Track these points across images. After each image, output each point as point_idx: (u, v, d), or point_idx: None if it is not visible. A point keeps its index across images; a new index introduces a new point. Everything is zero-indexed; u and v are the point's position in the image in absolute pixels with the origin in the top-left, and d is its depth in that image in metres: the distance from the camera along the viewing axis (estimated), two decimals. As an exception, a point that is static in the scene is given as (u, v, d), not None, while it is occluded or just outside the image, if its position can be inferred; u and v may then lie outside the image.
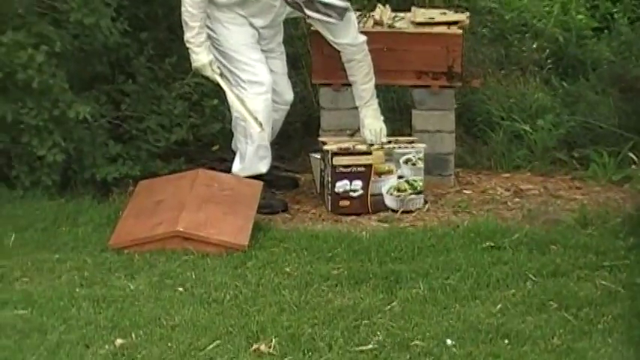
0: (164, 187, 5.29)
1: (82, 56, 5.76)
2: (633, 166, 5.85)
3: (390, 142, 5.46)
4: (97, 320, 3.92)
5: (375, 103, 5.54)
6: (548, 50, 7.11)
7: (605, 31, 7.40)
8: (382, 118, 5.54)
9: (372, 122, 5.49)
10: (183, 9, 5.32)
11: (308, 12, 5.25)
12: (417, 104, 5.87)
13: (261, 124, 5.33)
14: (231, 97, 5.41)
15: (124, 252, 4.72)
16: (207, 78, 5.55)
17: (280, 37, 5.70)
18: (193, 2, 5.27)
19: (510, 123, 6.19)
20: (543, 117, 6.19)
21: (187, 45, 5.38)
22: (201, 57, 5.35)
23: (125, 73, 6.01)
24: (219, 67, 5.41)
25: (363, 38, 5.46)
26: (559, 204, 5.47)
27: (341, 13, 5.23)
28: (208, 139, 6.23)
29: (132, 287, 4.29)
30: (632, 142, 5.95)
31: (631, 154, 5.89)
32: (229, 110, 5.67)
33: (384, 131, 5.47)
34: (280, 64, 5.69)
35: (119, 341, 3.73)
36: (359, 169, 5.36)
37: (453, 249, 4.71)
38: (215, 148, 6.25)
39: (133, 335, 3.78)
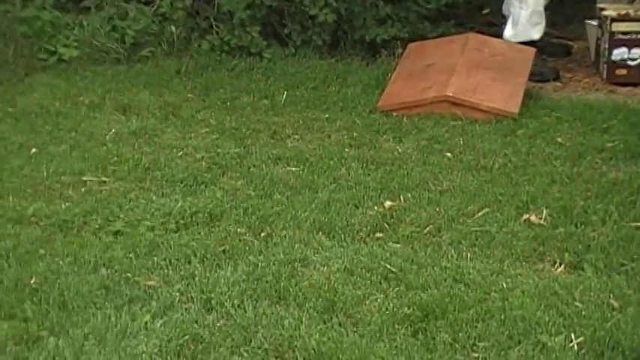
0: (434, 51, 5.22)
1: None
2: None
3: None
4: (365, 181, 3.95)
5: None
6: None
7: None
8: None
9: None
10: None
11: None
12: None
13: None
14: None
15: (392, 114, 4.72)
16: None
17: None
18: None
19: None
20: None
21: None
22: None
23: None
24: None
25: None
26: None
27: None
28: (478, 2, 6.10)
29: (400, 150, 4.29)
30: None
31: None
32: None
33: None
34: None
35: (388, 203, 3.74)
36: (639, 36, 5.09)
37: None
38: (485, 11, 6.10)
39: (402, 198, 3.78)
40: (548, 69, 5.38)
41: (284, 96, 5.01)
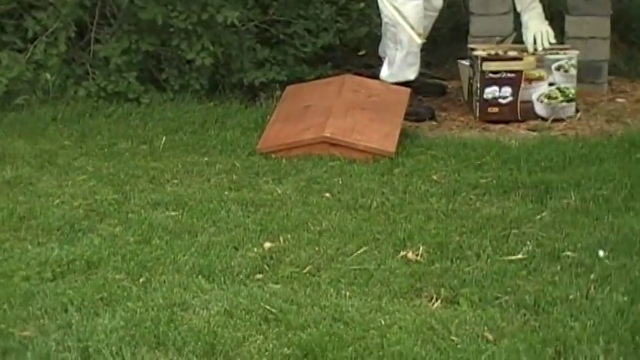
0: (311, 93, 5.28)
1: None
2: None
3: (543, 48, 5.29)
4: (245, 223, 3.95)
5: (539, 6, 5.34)
6: None
7: None
8: (547, 22, 5.34)
9: (538, 24, 5.29)
10: None
11: None
12: (571, 10, 5.69)
13: (420, 35, 5.25)
14: (389, 9, 5.31)
15: (271, 156, 4.74)
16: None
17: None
18: None
19: (669, 28, 5.95)
20: None
21: None
22: None
23: (272, -23, 5.99)
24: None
25: None
26: None
27: None
28: (355, 44, 6.18)
29: (279, 191, 4.31)
30: None
31: None
32: (377, 14, 5.60)
33: (551, 34, 5.28)
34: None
35: (267, 244, 3.75)
36: (509, 75, 5.23)
37: (606, 159, 4.57)
38: (361, 53, 6.20)
39: (281, 239, 3.80)
40: (424, 108, 5.48)
41: (163, 141, 4.98)
